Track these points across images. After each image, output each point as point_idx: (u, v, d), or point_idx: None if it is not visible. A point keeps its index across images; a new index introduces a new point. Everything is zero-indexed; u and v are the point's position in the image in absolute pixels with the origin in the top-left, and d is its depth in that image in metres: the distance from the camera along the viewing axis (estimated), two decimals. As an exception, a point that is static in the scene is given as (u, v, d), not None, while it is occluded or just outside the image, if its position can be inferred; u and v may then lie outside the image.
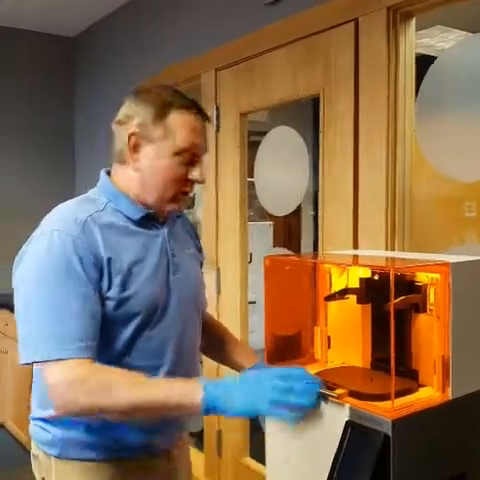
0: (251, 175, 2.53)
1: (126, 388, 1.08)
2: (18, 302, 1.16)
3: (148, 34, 3.01)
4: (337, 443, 1.19)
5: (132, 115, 1.23)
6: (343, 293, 1.48)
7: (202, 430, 2.75)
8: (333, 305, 1.52)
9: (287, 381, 1.05)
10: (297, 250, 3.63)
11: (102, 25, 3.48)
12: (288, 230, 3.79)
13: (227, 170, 2.48)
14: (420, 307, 1.36)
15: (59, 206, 1.27)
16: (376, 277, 1.45)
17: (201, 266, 1.50)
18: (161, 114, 1.21)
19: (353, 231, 1.91)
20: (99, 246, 1.16)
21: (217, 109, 2.50)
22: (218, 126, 2.50)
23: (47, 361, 1.10)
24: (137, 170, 1.24)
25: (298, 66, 2.13)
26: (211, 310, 2.56)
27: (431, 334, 1.35)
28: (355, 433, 1.18)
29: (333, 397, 1.23)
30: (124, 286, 1.18)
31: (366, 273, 1.49)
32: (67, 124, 3.73)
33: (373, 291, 1.47)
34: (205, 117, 1.26)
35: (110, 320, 1.18)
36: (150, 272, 1.23)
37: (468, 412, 1.27)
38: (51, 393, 1.11)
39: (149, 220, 1.28)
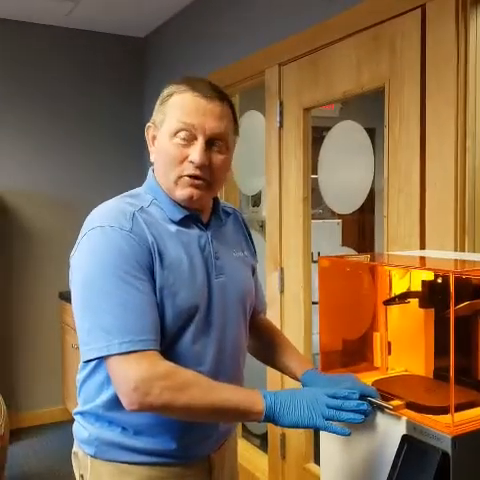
0: (316, 172, 2.46)
1: (203, 389, 1.08)
2: (80, 296, 1.13)
3: (212, 33, 3.00)
4: (392, 456, 1.12)
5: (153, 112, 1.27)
6: (404, 297, 1.40)
7: (266, 432, 2.71)
8: (394, 309, 1.44)
9: (338, 399, 1.08)
10: (368, 250, 3.50)
11: (169, 26, 3.51)
12: (359, 229, 3.68)
13: (291, 167, 2.43)
14: (487, 313, 1.26)
15: (103, 203, 1.25)
16: (439, 280, 1.36)
17: (253, 271, 1.43)
18: (163, 101, 1.22)
19: (420, 231, 1.81)
20: (149, 241, 1.15)
21: (281, 105, 2.45)
22: (281, 122, 2.45)
23: (122, 354, 1.07)
24: (155, 161, 1.25)
25: (362, 58, 2.04)
26: (274, 310, 2.54)
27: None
28: (412, 448, 1.10)
29: (388, 409, 1.15)
30: (166, 281, 1.15)
31: (429, 276, 1.40)
32: (138, 123, 3.79)
33: (436, 295, 1.38)
34: (211, 98, 1.18)
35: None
36: (188, 273, 1.18)
37: None
38: (127, 387, 1.06)
39: (191, 220, 1.24)
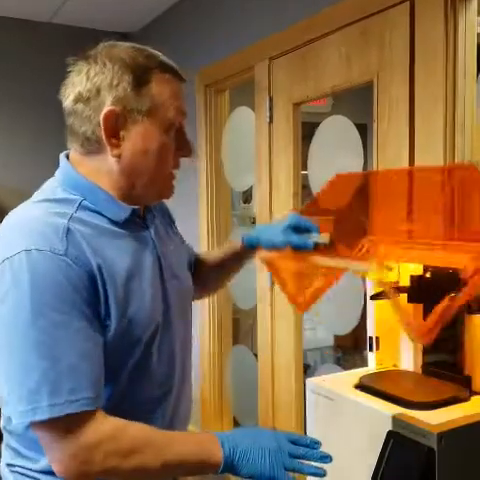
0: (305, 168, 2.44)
1: (155, 449, 0.92)
2: (2, 341, 0.90)
3: (202, 29, 2.98)
4: (378, 452, 1.11)
5: (101, 87, 0.95)
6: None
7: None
8: (381, 304, 1.42)
9: (301, 447, 0.95)
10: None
11: (159, 22, 3.48)
12: (350, 226, 3.66)
13: (281, 163, 2.41)
14: (473, 308, 1.25)
15: (19, 212, 0.99)
16: (428, 275, 1.35)
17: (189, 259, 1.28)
18: (142, 81, 0.96)
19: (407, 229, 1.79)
20: (92, 264, 0.92)
21: (270, 100, 2.43)
22: (271, 117, 2.43)
23: (51, 419, 0.87)
24: (118, 158, 0.98)
25: (351, 52, 2.03)
26: (264, 305, 2.54)
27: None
28: (397, 445, 1.09)
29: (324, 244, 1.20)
30: (123, 308, 0.95)
31: (418, 270, 1.38)
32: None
33: (425, 289, 1.37)
34: (183, 78, 1.03)
35: (110, 353, 0.96)
36: (148, 284, 1.01)
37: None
38: (61, 454, 0.89)
39: (135, 218, 1.04)
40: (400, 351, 1.44)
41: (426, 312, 1.37)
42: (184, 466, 0.94)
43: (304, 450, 0.94)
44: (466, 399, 1.20)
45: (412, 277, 1.38)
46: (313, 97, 2.26)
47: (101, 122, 0.96)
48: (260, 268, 2.53)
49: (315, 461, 0.94)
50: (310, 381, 1.36)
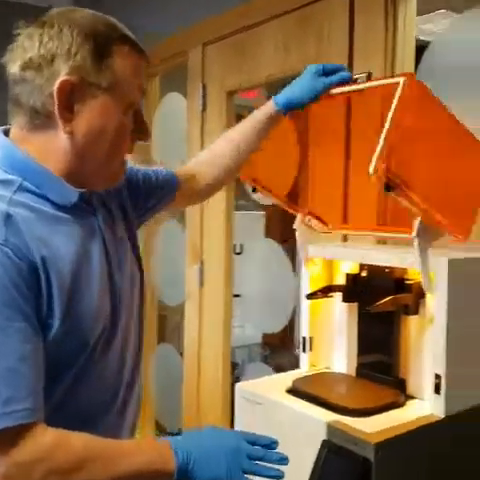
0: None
1: (102, 462, 0.82)
2: None
3: (132, 11, 2.82)
4: (312, 461, 1.04)
5: (56, 53, 0.84)
6: (327, 290, 1.32)
7: (180, 429, 2.61)
8: (316, 303, 1.36)
9: (260, 447, 0.88)
10: (293, 242, 3.44)
11: (82, 3, 3.29)
12: (283, 221, 3.61)
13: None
14: (410, 308, 1.20)
15: None
16: (364, 273, 1.30)
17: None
18: (102, 53, 0.86)
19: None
20: (32, 251, 0.81)
21: (203, 87, 2.33)
22: (204, 105, 2.32)
23: None
24: (70, 135, 0.87)
25: (289, 40, 1.96)
26: (193, 304, 2.44)
27: (422, 339, 1.19)
28: (332, 455, 1.02)
29: None
30: (68, 305, 0.85)
31: (354, 269, 1.33)
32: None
33: (361, 289, 1.31)
34: (145, 55, 0.93)
35: (53, 356, 0.85)
36: (97, 279, 0.91)
37: (460, 431, 1.12)
38: None
39: (80, 205, 0.92)
40: (333, 352, 1.38)
41: (361, 312, 1.32)
42: (136, 478, 0.85)
43: (263, 451, 0.88)
44: (402, 404, 1.15)
45: (348, 276, 1.32)
46: (248, 86, 2.18)
47: (54, 93, 0.84)
48: (189, 264, 2.43)
49: (273, 463, 0.87)
50: (240, 386, 1.27)
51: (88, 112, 0.87)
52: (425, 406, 1.13)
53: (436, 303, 1.09)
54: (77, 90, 0.85)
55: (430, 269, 1.07)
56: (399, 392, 1.18)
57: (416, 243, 1.02)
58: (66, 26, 0.85)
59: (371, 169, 0.90)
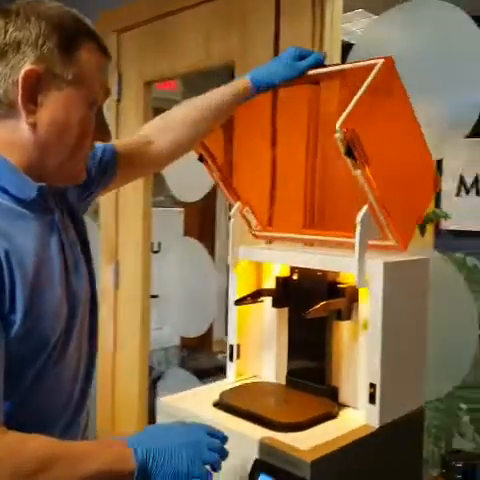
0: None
1: (65, 466, 0.78)
2: None
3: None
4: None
5: (22, 42, 0.83)
6: (256, 295, 1.24)
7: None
8: (244, 309, 1.28)
9: (218, 442, 0.88)
10: (210, 240, 3.35)
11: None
12: (201, 219, 3.52)
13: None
14: (343, 313, 1.15)
15: None
16: (295, 277, 1.23)
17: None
18: (69, 46, 0.85)
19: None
20: None
21: (119, 76, 2.19)
22: (120, 96, 2.19)
23: None
24: (33, 126, 0.85)
25: (212, 30, 1.87)
26: (107, 307, 2.30)
27: (355, 345, 1.15)
28: (266, 476, 0.95)
29: None
30: (31, 303, 0.82)
31: (284, 271, 1.26)
32: None
33: (291, 293, 1.25)
34: (109, 54, 0.93)
35: (12, 356, 0.82)
36: (57, 278, 0.88)
37: (394, 439, 1.08)
38: None
39: (38, 200, 0.89)
40: (262, 360, 1.31)
41: (291, 317, 1.26)
42: None
43: (221, 444, 0.88)
44: (335, 415, 1.09)
45: (278, 279, 1.25)
46: (168, 76, 2.08)
47: (19, 81, 0.83)
48: (104, 265, 2.29)
49: (223, 457, 0.88)
50: (162, 401, 1.17)
51: (52, 103, 0.85)
52: (358, 416, 1.08)
53: (371, 308, 1.04)
54: (42, 80, 0.84)
55: (365, 270, 1.02)
56: (332, 402, 1.13)
57: (358, 229, 0.98)
58: (34, 16, 0.84)
59: (338, 125, 0.91)
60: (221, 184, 1.24)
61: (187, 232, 2.95)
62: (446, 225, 2.20)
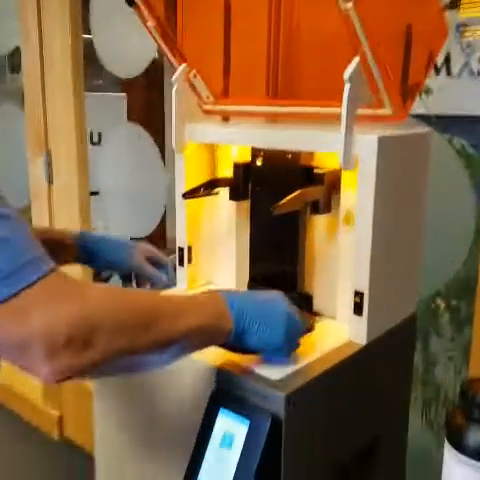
0: (88, 31, 1.88)
1: (168, 318, 0.68)
2: None
3: None
4: (199, 417, 0.76)
5: None
6: (210, 186, 0.99)
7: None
8: (195, 204, 1.03)
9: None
10: (158, 125, 3.01)
11: None
12: (146, 102, 3.15)
13: (55, 27, 1.80)
14: (320, 205, 0.91)
15: None
16: (259, 162, 0.98)
17: None
18: None
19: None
20: None
21: None
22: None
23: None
24: None
25: None
26: (41, 205, 2.01)
27: (333, 244, 0.93)
28: (225, 411, 0.74)
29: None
30: None
31: (244, 156, 1.00)
32: None
33: (254, 182, 1.00)
34: None
35: None
36: None
37: (381, 356, 0.89)
38: (50, 343, 0.57)
39: None
40: (219, 264, 1.08)
41: (254, 211, 1.02)
42: (193, 342, 0.71)
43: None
44: (311, 328, 0.89)
45: (237, 166, 1.00)
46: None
47: None
48: (32, 157, 1.98)
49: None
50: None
51: None
52: (338, 329, 0.88)
53: (359, 196, 0.80)
54: None
55: (353, 148, 0.77)
56: (306, 312, 0.92)
57: (347, 89, 0.72)
58: None
59: None
60: (159, 39, 0.94)
61: (131, 117, 2.62)
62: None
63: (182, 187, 0.99)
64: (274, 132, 0.90)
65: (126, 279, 1.08)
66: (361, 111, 0.79)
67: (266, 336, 0.74)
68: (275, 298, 0.79)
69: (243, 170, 0.99)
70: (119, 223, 2.04)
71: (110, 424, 0.94)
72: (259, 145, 0.94)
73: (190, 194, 0.94)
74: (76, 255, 1.04)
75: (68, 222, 1.94)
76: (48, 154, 1.93)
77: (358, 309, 0.83)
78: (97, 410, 0.96)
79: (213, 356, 0.78)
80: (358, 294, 0.83)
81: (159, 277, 1.06)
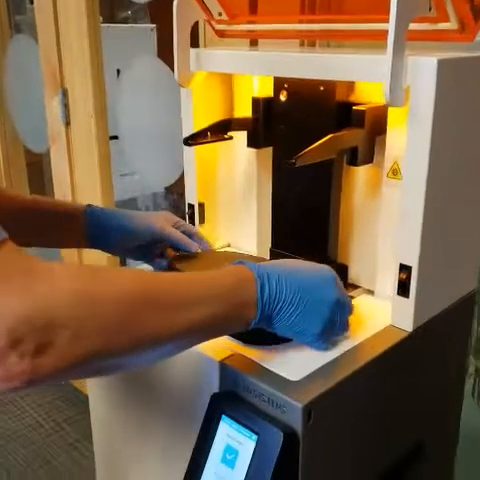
0: None
1: (162, 305, 0.51)
2: None
3: None
4: (199, 421, 0.60)
5: None
6: (221, 129, 0.80)
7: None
8: (206, 151, 0.85)
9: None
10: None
11: None
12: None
13: None
14: (360, 154, 0.72)
15: None
16: (283, 97, 0.78)
17: None
18: None
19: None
20: None
21: None
22: None
23: None
24: None
25: None
26: (59, 148, 1.87)
27: (376, 203, 0.73)
28: (228, 421, 0.59)
29: None
30: None
31: (265, 90, 0.81)
32: None
33: (277, 124, 0.80)
34: None
35: None
36: None
37: (429, 346, 0.71)
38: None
39: None
40: (236, 225, 0.90)
41: (276, 162, 0.83)
42: (204, 332, 0.55)
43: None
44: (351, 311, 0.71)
45: (256, 102, 0.80)
46: None
47: None
48: (49, 96, 1.81)
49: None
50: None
51: None
52: (378, 309, 0.71)
53: (410, 141, 0.60)
54: None
55: (404, 76, 0.57)
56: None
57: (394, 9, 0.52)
58: None
59: None
60: None
61: (162, 54, 2.41)
62: None
63: (189, 131, 0.81)
64: (302, 56, 0.69)
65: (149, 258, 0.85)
66: (415, 26, 0.59)
67: (301, 323, 0.59)
68: (323, 277, 0.62)
69: (264, 107, 0.79)
70: (139, 171, 1.87)
71: (106, 424, 0.80)
72: (284, 74, 0.73)
73: (194, 139, 0.75)
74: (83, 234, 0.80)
75: (90, 168, 1.79)
76: (64, 93, 1.76)
77: (403, 288, 0.65)
78: (92, 413, 0.82)
79: (215, 346, 0.61)
80: (404, 268, 0.64)
81: (194, 245, 0.80)
